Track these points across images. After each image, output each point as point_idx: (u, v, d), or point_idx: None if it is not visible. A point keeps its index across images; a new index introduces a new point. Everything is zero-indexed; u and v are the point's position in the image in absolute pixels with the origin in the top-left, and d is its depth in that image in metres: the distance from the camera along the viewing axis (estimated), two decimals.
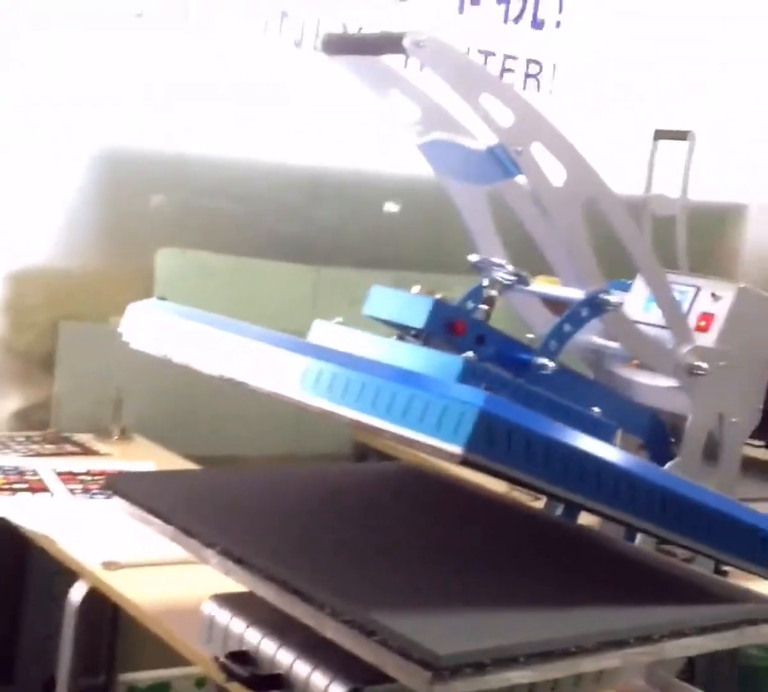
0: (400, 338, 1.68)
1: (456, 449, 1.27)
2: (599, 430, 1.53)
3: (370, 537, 1.64)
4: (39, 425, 3.24)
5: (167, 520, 1.66)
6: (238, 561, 1.51)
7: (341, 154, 3.48)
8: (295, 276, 3.44)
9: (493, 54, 3.60)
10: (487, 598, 1.43)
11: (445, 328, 1.59)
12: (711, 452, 1.79)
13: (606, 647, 1.36)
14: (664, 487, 1.42)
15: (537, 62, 3.59)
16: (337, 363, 1.45)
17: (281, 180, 3.44)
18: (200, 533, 1.60)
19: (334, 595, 1.38)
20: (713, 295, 1.80)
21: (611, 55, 3.73)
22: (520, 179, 1.64)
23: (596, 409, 1.63)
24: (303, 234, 3.52)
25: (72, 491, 2.61)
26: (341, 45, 1.57)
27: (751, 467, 1.96)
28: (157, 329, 1.83)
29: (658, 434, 1.79)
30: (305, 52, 3.33)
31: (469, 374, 1.48)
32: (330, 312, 1.77)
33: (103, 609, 2.56)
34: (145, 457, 3.00)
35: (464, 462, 1.27)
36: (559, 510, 1.86)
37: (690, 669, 1.94)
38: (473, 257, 1.69)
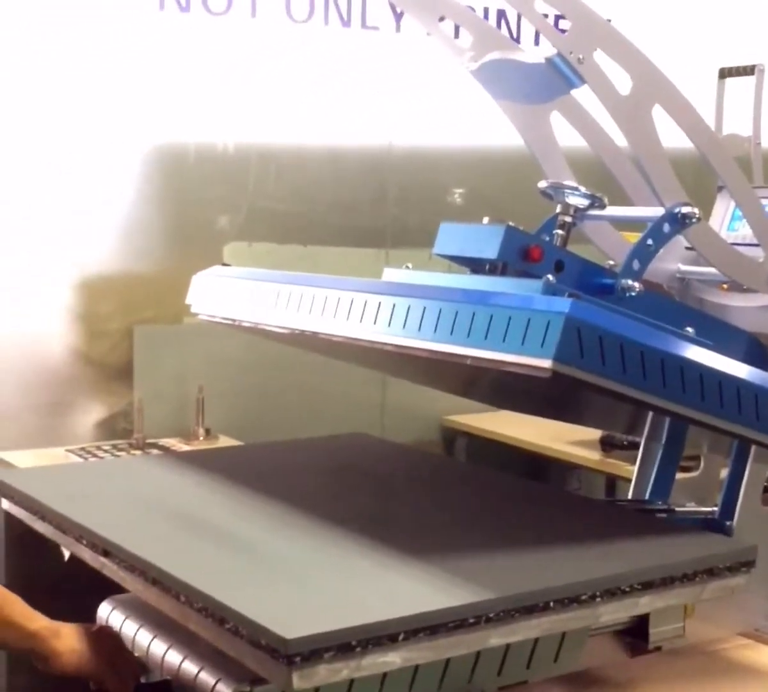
0: (475, 273, 1.59)
1: (545, 362, 1.19)
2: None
3: (253, 514, 1.47)
4: (124, 433, 3.22)
5: (42, 517, 1.55)
6: (105, 553, 1.38)
7: (402, 133, 3.42)
8: (363, 259, 3.39)
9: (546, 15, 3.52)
10: (365, 571, 1.22)
11: (521, 255, 1.49)
12: None
13: (518, 614, 1.13)
14: None
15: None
16: (409, 296, 1.38)
17: (341, 166, 3.39)
18: (72, 528, 1.47)
19: (189, 581, 1.20)
20: None
21: (668, 3, 3.62)
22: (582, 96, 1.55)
23: (689, 329, 1.53)
24: (369, 220, 3.47)
25: None
26: None
27: None
28: (223, 294, 1.77)
29: (757, 357, 1.67)
30: (353, 32, 3.29)
31: None
32: None
33: None
34: None
35: (556, 376, 1.19)
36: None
37: None
38: (542, 184, 1.60)
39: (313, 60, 3.24)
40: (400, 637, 1.06)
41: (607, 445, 3.11)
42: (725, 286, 1.77)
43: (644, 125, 1.50)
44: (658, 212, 1.55)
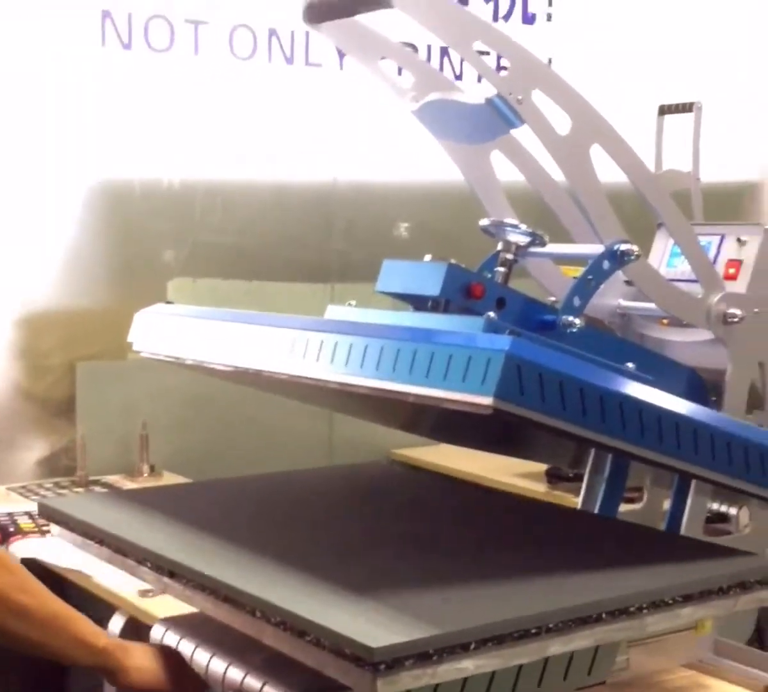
0: (417, 311, 1.60)
1: (486, 399, 1.19)
2: None
3: (310, 535, 1.53)
4: (67, 470, 3.18)
5: (99, 541, 1.56)
6: (171, 574, 1.41)
7: (347, 168, 3.44)
8: (309, 295, 3.39)
9: (487, 53, 3.55)
10: (434, 584, 1.29)
11: (463, 292, 1.51)
12: (755, 404, 1.70)
13: (574, 625, 1.22)
14: (718, 428, 1.34)
15: None
16: (351, 333, 1.38)
17: (287, 200, 3.40)
18: (133, 551, 1.49)
19: (264, 597, 1.26)
20: (739, 240, 1.72)
21: (607, 42, 3.68)
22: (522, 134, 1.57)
23: (630, 364, 1.55)
24: (315, 255, 3.48)
25: None
26: (324, 9, 1.51)
27: None
28: (165, 332, 1.76)
29: (697, 392, 1.70)
30: (296, 69, 3.31)
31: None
32: None
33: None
34: None
35: (497, 412, 1.19)
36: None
37: (759, 638, 1.84)
38: (484, 221, 1.62)
39: (257, 97, 3.25)
40: (472, 646, 1.15)
41: (552, 477, 3.12)
42: (665, 321, 1.80)
43: (583, 165, 1.52)
44: (597, 249, 1.57)
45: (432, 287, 1.52)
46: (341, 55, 3.24)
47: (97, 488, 3.02)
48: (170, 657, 1.48)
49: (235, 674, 1.39)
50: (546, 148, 1.51)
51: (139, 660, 1.44)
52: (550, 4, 3.61)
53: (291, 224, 3.43)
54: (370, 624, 1.17)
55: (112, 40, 3.04)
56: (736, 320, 1.64)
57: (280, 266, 3.43)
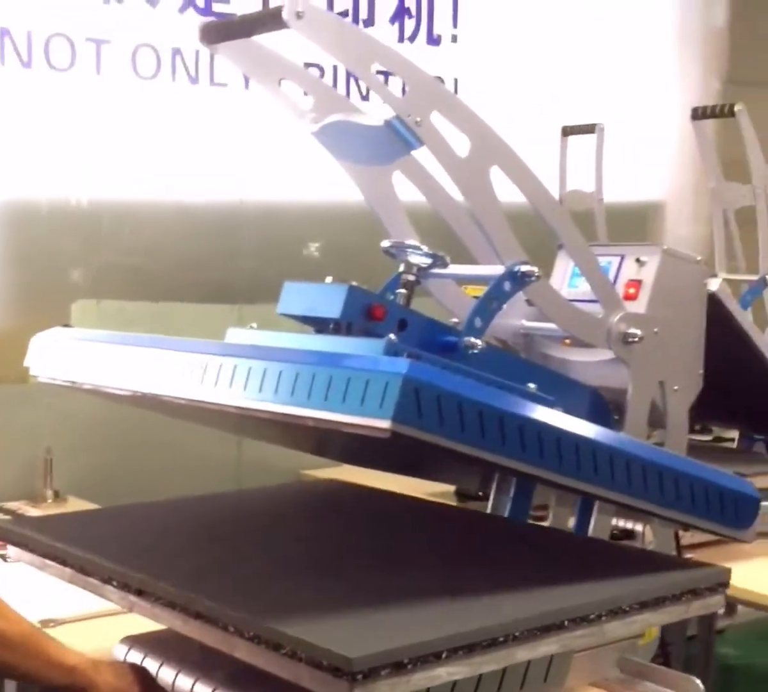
0: (319, 333, 1.59)
1: (384, 423, 1.18)
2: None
3: (277, 552, 1.54)
4: None
5: (62, 562, 1.54)
6: (138, 592, 1.40)
7: (254, 188, 3.42)
8: (216, 316, 3.35)
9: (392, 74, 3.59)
10: (404, 596, 1.32)
11: (364, 314, 1.50)
12: (655, 424, 1.72)
13: (539, 632, 1.26)
14: (617, 448, 1.34)
15: (438, 79, 3.57)
16: (250, 357, 1.37)
17: (194, 221, 3.36)
18: (96, 570, 1.48)
19: (236, 612, 1.27)
20: (638, 260, 1.74)
21: (512, 63, 3.71)
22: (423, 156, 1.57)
23: (532, 385, 1.55)
24: (222, 276, 3.44)
25: (3, 557, 2.47)
26: (221, 30, 1.49)
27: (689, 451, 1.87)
28: (62, 356, 1.72)
29: (599, 411, 1.71)
30: (201, 89, 3.29)
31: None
32: None
33: None
34: None
35: (395, 436, 1.18)
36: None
37: (663, 654, 1.85)
38: (385, 243, 1.61)
39: (161, 116, 3.21)
40: (444, 655, 1.18)
41: (462, 496, 3.12)
42: (568, 341, 1.81)
43: (482, 186, 1.52)
44: (498, 270, 1.57)
45: (333, 310, 1.51)
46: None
47: (0, 516, 2.95)
48: (139, 673, 1.47)
49: (203, 690, 1.40)
50: (445, 170, 1.51)
51: (110, 676, 1.43)
52: (455, 25, 3.63)
53: (198, 245, 3.39)
54: (345, 635, 1.18)
55: (12, 59, 2.99)
56: (635, 339, 1.65)
57: (188, 287, 3.38)
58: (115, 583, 1.44)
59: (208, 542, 1.60)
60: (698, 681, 1.60)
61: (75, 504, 3.05)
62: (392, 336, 1.43)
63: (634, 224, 3.96)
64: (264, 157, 3.38)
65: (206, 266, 3.41)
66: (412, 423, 1.19)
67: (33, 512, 2.96)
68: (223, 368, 1.38)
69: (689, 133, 2.93)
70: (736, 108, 2.60)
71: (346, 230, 3.50)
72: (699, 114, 2.73)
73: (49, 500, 3.07)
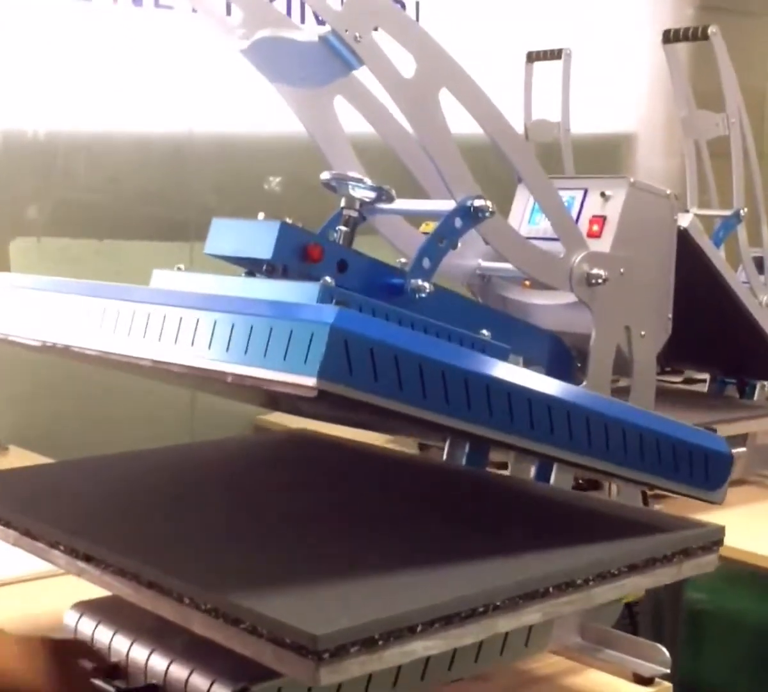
0: (250, 275, 1.44)
1: (309, 380, 1.04)
2: (490, 354, 1.30)
3: (238, 514, 1.42)
4: None
5: (6, 523, 1.43)
6: (87, 558, 1.29)
7: (204, 118, 3.23)
8: (167, 254, 3.18)
9: None
10: (375, 563, 1.21)
11: (298, 255, 1.35)
12: (621, 371, 1.58)
13: (522, 600, 1.15)
14: (574, 404, 1.21)
15: (398, 1, 3.38)
16: (165, 304, 1.22)
17: (148, 153, 3.18)
18: (44, 533, 1.37)
19: (193, 583, 1.16)
20: (603, 194, 1.59)
21: None
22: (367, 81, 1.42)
23: (485, 332, 1.41)
24: (175, 212, 3.27)
25: None
26: None
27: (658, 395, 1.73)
28: None
29: (561, 358, 1.57)
30: (146, 12, 3.09)
31: (327, 302, 1.25)
32: None
33: None
34: None
35: (322, 395, 1.04)
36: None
37: (630, 616, 1.73)
38: (325, 175, 1.46)
39: (104, 41, 3.01)
40: (418, 628, 1.07)
41: (423, 444, 3.00)
42: (527, 283, 1.67)
43: (430, 110, 1.37)
44: (449, 205, 1.42)
45: (264, 250, 1.36)
46: None
47: None
48: (51, 649, 1.33)
49: (159, 662, 1.28)
50: (388, 92, 1.35)
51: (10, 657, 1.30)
52: None
53: (151, 179, 3.21)
54: (310, 610, 1.08)
55: None
56: (599, 281, 1.51)
57: (137, 224, 3.21)
58: (61, 548, 1.33)
59: (163, 502, 1.49)
60: (665, 650, 1.50)
61: (17, 454, 2.91)
62: (328, 279, 1.29)
63: (605, 157, 3.81)
64: (216, 84, 3.18)
65: (156, 202, 3.24)
66: (342, 380, 1.04)
67: None
68: (137, 317, 1.23)
69: (662, 62, 2.77)
70: (710, 30, 2.43)
71: (313, 163, 3.33)
72: (671, 37, 2.56)
73: None
